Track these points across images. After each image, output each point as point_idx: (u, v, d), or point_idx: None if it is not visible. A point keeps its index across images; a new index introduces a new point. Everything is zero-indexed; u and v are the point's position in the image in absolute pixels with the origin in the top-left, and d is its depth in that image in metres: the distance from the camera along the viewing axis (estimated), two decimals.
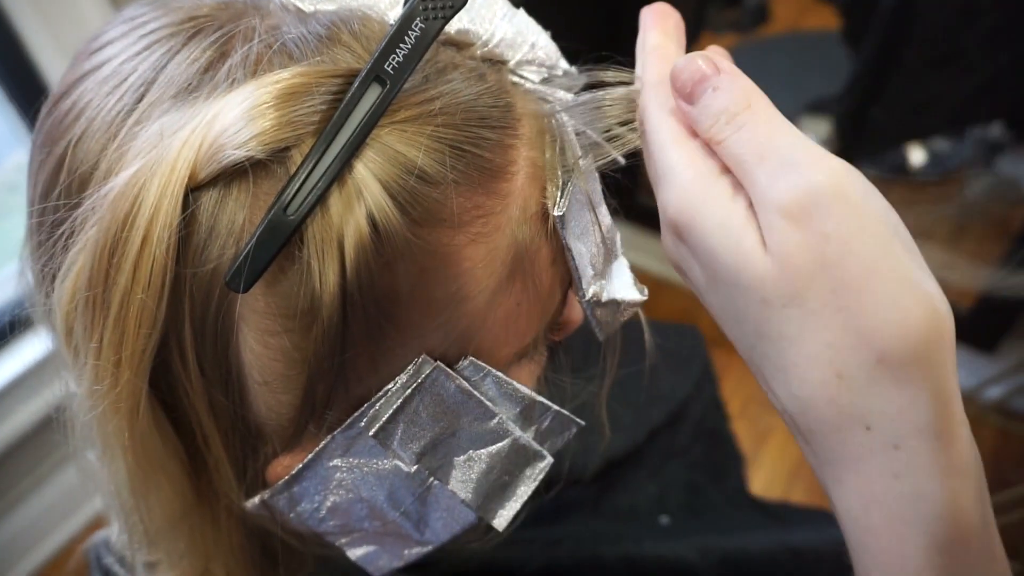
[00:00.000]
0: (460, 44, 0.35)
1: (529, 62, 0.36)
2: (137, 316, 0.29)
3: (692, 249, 0.29)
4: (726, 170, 0.29)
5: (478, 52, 0.35)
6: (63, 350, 0.33)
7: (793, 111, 2.20)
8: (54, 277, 0.31)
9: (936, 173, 2.03)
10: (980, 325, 1.57)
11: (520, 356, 0.38)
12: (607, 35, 1.43)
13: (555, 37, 0.38)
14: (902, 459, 0.24)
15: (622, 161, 0.36)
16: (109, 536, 0.49)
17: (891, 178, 2.06)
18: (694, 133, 0.30)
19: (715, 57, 0.30)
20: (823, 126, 2.12)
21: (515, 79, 0.36)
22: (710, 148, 0.29)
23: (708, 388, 0.76)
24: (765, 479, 1.53)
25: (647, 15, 0.35)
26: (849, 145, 1.92)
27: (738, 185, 0.28)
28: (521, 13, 0.38)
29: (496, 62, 0.36)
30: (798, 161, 0.26)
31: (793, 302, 0.25)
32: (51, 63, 1.15)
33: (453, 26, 0.35)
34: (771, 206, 0.26)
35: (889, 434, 0.24)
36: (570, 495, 0.62)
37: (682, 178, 0.29)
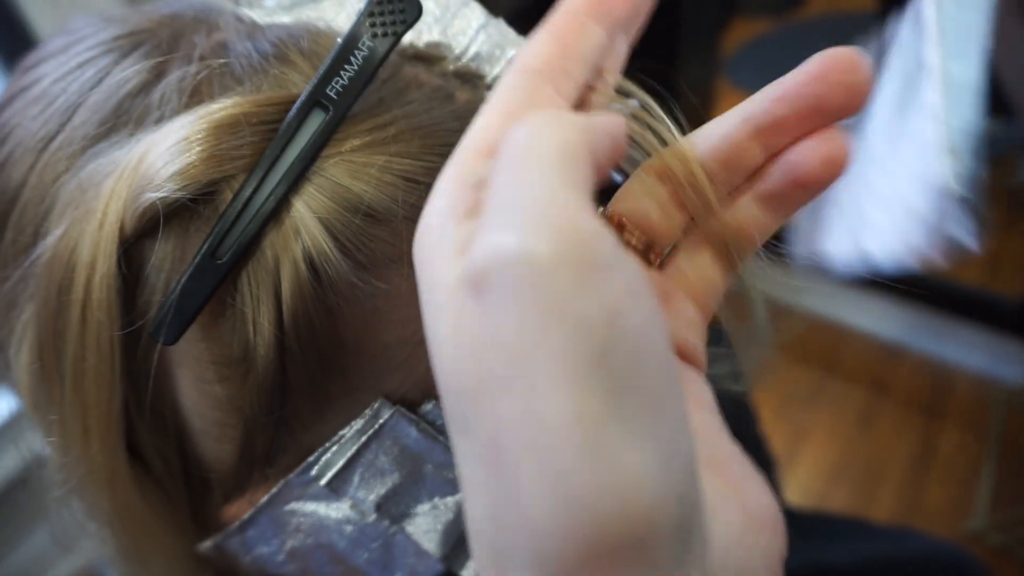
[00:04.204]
0: (430, 59, 0.32)
1: None
2: (94, 383, 0.27)
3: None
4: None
5: (450, 68, 0.32)
6: (37, 422, 0.32)
7: None
8: (10, 346, 0.30)
9: (986, 157, 1.94)
10: None
11: None
12: None
13: None
14: None
15: (618, 178, 0.33)
16: None
17: None
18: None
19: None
20: None
21: None
22: None
23: (735, 387, 0.72)
24: (804, 478, 1.48)
25: None
26: None
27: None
28: (500, 23, 0.35)
29: (471, 78, 0.33)
30: (510, 203, 0.16)
31: (454, 427, 0.17)
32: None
33: (423, 39, 0.32)
34: (462, 267, 0.17)
35: None
36: None
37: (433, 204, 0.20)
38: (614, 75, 0.23)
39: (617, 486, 0.15)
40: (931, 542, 0.67)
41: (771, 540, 0.19)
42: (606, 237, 0.16)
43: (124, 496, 0.30)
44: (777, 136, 0.22)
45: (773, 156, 0.22)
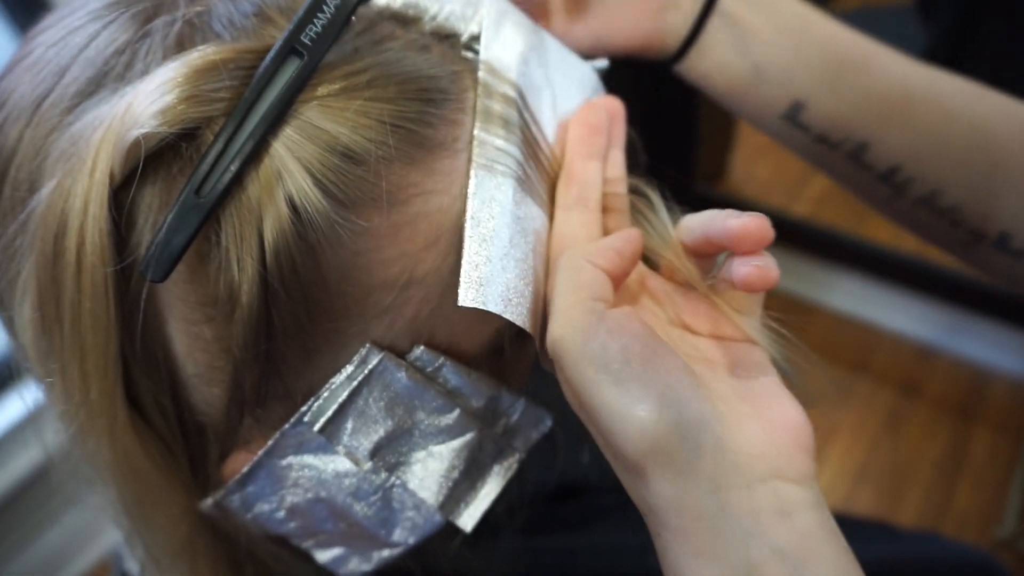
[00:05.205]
0: (405, 19, 0.33)
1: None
2: (91, 327, 0.28)
3: None
4: None
5: (426, 27, 0.33)
6: (41, 382, 0.32)
7: None
8: (12, 311, 0.31)
9: None
10: None
11: (505, 344, 0.35)
12: None
13: None
14: (661, 540, 0.29)
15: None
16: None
17: None
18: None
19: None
20: None
21: (468, 54, 0.34)
22: None
23: None
24: (829, 478, 1.45)
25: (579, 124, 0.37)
26: None
27: None
28: None
29: (446, 36, 0.34)
30: (554, 312, 0.30)
31: (580, 414, 0.31)
32: None
33: (398, 1, 0.33)
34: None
35: (653, 521, 0.29)
36: (596, 502, 0.59)
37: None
38: (620, 181, 0.37)
39: (638, 424, 0.27)
40: (957, 547, 0.66)
41: (795, 438, 0.29)
42: (595, 315, 0.29)
43: (123, 444, 0.31)
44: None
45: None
